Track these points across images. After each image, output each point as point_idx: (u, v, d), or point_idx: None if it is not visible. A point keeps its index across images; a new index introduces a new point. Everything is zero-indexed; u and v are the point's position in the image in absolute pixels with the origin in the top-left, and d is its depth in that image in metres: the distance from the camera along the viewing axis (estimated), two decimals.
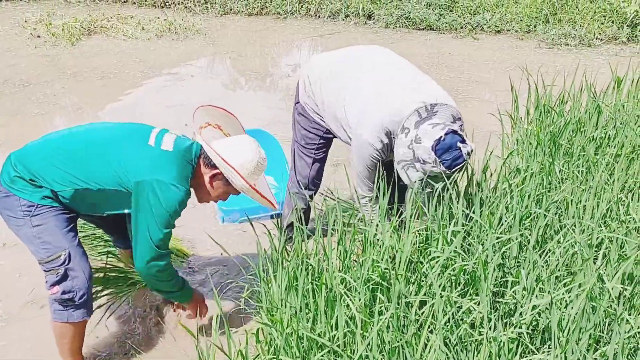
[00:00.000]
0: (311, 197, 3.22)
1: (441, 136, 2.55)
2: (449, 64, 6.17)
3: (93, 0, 7.38)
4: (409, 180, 2.68)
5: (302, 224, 3.07)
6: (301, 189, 3.21)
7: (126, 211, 2.59)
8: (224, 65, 6.16)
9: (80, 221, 3.05)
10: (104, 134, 2.54)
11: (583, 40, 6.60)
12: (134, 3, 7.36)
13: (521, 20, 6.86)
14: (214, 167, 2.50)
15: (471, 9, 7.03)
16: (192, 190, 2.59)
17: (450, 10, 7.06)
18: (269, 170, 3.90)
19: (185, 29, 6.72)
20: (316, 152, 3.09)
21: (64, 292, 2.45)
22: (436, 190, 2.64)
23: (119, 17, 6.85)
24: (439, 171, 2.58)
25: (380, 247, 2.58)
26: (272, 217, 3.69)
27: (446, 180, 2.63)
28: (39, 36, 6.42)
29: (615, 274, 2.40)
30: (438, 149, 2.55)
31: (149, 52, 6.26)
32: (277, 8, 7.19)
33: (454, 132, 2.57)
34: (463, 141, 2.59)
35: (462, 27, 6.91)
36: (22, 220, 2.45)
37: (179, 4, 7.26)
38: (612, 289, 2.31)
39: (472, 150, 2.63)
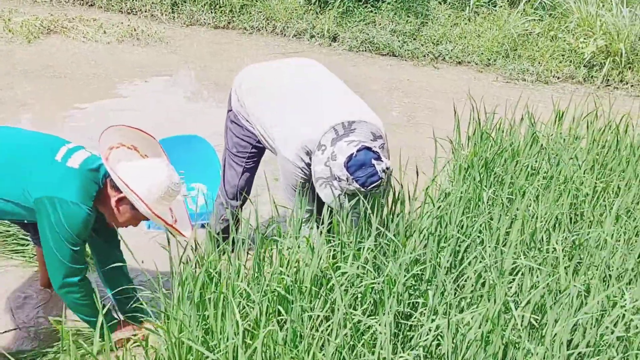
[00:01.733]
0: (239, 207, 3.16)
1: (353, 152, 2.51)
2: (407, 90, 6.19)
3: (59, 2, 7.29)
4: (328, 199, 2.64)
5: (224, 234, 3.03)
6: (228, 199, 3.15)
7: (25, 221, 2.52)
8: (184, 74, 6.12)
9: None
10: (10, 142, 2.44)
11: (540, 77, 6.67)
12: (100, 7, 7.28)
13: (482, 54, 6.91)
14: (120, 190, 2.40)
15: (434, 39, 7.07)
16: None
17: (414, 39, 7.09)
18: (202, 178, 3.86)
19: (148, 36, 6.66)
20: (247, 161, 3.04)
21: None
22: (361, 209, 2.60)
23: (81, 19, 6.77)
24: (355, 188, 2.54)
25: (288, 259, 2.53)
26: (202, 226, 3.62)
27: (365, 198, 2.57)
28: None
29: (526, 303, 2.37)
30: (350, 165, 2.51)
31: (107, 55, 6.19)
32: (244, 23, 7.17)
33: (368, 148, 2.53)
34: (378, 158, 2.54)
35: (424, 56, 6.94)
36: None
37: (145, 11, 7.21)
38: (522, 317, 2.28)
39: (388, 168, 2.58)
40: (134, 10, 7.26)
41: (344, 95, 2.83)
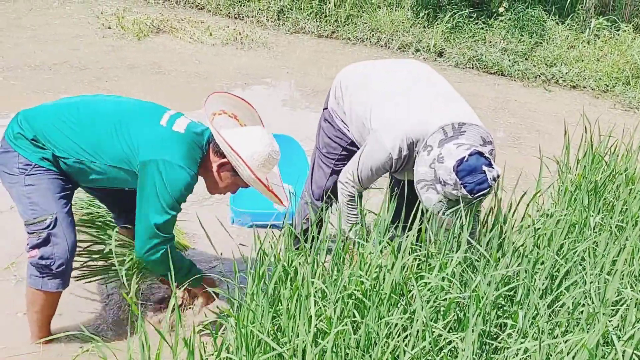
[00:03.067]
0: (323, 209, 3.00)
1: (465, 156, 2.32)
2: (513, 110, 5.90)
3: (170, 3, 7.50)
4: (429, 203, 2.46)
5: (306, 233, 2.89)
6: (314, 199, 3.02)
7: (126, 188, 2.49)
8: (283, 79, 6.10)
9: (83, 197, 2.97)
10: (116, 108, 2.45)
11: None
12: (209, 11, 7.43)
13: (600, 79, 6.50)
14: (223, 155, 2.39)
15: (548, 60, 6.73)
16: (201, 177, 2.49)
17: (526, 59, 6.77)
18: (289, 178, 3.75)
19: (252, 41, 6.71)
20: (336, 163, 2.88)
21: (41, 258, 2.35)
22: (458, 217, 2.41)
23: (189, 20, 6.92)
24: (460, 195, 2.35)
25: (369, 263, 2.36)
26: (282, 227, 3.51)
27: (465, 206, 2.39)
28: (109, 27, 6.54)
29: (629, 337, 2.10)
30: (460, 169, 2.32)
31: (211, 56, 6.27)
32: (348, 33, 7.10)
33: (480, 153, 2.34)
34: (490, 165, 2.35)
35: (535, 77, 6.61)
36: (17, 177, 2.37)
37: (252, 17, 7.28)
38: (624, 351, 2.02)
39: (498, 176, 2.39)
40: (241, 15, 7.36)
41: (453, 96, 2.66)
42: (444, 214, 2.45)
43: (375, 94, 2.66)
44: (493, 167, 2.38)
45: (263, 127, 2.56)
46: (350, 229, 2.75)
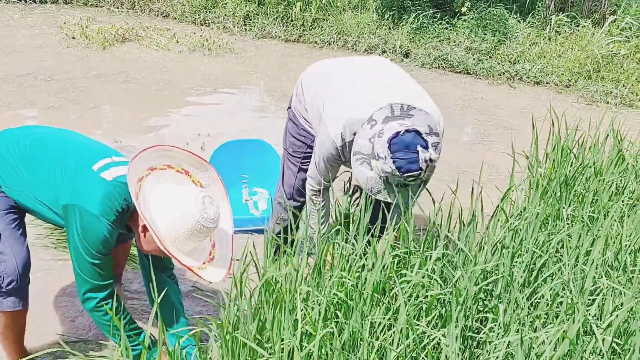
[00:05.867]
0: (297, 208, 3.00)
1: (401, 131, 2.26)
2: (480, 108, 5.98)
3: (135, 12, 7.45)
4: (360, 177, 2.39)
5: (284, 234, 2.89)
6: (287, 199, 3.02)
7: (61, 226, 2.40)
8: (252, 85, 6.08)
9: None
10: (62, 147, 2.32)
11: (625, 100, 6.33)
12: (175, 18, 7.40)
13: (562, 74, 6.63)
14: None
15: (512, 58, 6.84)
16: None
17: (490, 57, 6.87)
18: (265, 182, 3.76)
19: (219, 47, 6.69)
20: (302, 161, 2.88)
21: None
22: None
23: (155, 28, 6.88)
24: (390, 172, 2.28)
25: (350, 263, 2.38)
26: (262, 231, 3.52)
27: (397, 187, 2.33)
28: (73, 37, 6.47)
29: (607, 326, 2.15)
30: (393, 142, 2.26)
31: (178, 64, 6.24)
32: (315, 37, 7.13)
33: (419, 134, 2.28)
34: (426, 148, 2.29)
35: (500, 75, 6.72)
36: None
37: (218, 23, 7.27)
38: (603, 340, 2.06)
39: (432, 160, 2.32)
40: (207, 21, 7.34)
41: (412, 85, 2.62)
42: (373, 192, 2.39)
43: (330, 87, 2.63)
44: (428, 151, 2.30)
45: (221, 184, 2.35)
46: (320, 225, 2.74)
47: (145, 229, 2.17)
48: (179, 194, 2.15)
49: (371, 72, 2.70)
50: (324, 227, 2.76)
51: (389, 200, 2.40)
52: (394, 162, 2.25)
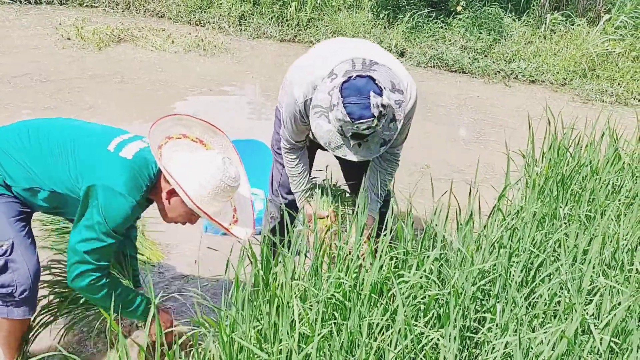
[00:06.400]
0: (287, 206, 2.96)
1: (354, 75, 2.16)
2: (476, 106, 5.98)
3: (130, 12, 7.43)
4: (318, 130, 2.30)
5: (278, 232, 2.89)
6: (274, 196, 3.01)
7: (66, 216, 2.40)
8: (248, 84, 6.08)
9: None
10: (67, 134, 2.30)
11: (620, 98, 6.35)
12: (170, 19, 7.40)
13: (557, 73, 6.65)
14: None
15: (507, 57, 6.85)
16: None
17: (486, 56, 6.88)
18: (261, 182, 3.75)
19: (214, 47, 6.69)
20: None
21: (2, 286, 2.23)
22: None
23: (150, 29, 6.87)
24: (342, 120, 2.17)
25: (347, 264, 2.37)
26: (259, 231, 3.51)
27: (357, 141, 2.23)
28: (69, 38, 6.46)
29: (605, 325, 2.15)
30: (345, 87, 2.14)
31: (173, 64, 6.23)
32: (310, 37, 7.13)
33: (374, 80, 2.16)
34: (379, 94, 2.15)
35: (495, 73, 6.73)
36: None
37: (213, 23, 7.26)
38: (601, 339, 2.07)
39: (385, 107, 2.17)
40: (202, 22, 7.34)
41: (386, 54, 2.49)
42: (331, 147, 2.30)
43: (304, 69, 2.54)
44: (382, 97, 2.15)
45: (235, 151, 2.42)
46: (301, 191, 2.71)
47: (170, 194, 2.23)
48: (200, 157, 2.24)
49: (344, 42, 2.65)
50: (304, 185, 2.71)
51: (348, 157, 2.29)
52: (345, 107, 2.14)
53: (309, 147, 2.75)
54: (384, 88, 2.19)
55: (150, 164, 2.25)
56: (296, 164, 2.68)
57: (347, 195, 2.84)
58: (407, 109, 2.35)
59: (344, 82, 2.15)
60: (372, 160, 2.69)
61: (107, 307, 2.23)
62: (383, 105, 2.15)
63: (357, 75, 2.15)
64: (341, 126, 2.20)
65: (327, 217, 2.65)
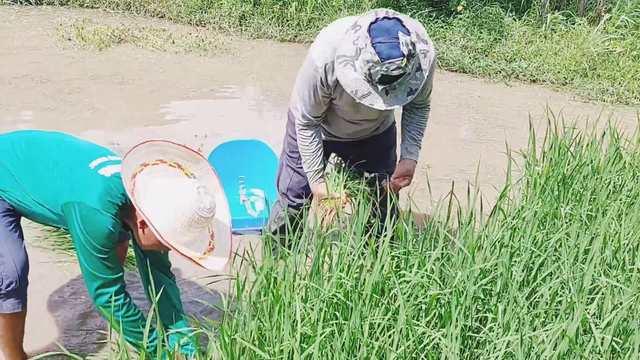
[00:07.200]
0: (294, 208, 2.96)
1: (381, 17, 2.16)
2: (477, 106, 5.98)
3: (131, 13, 7.43)
4: (343, 78, 2.26)
5: (281, 234, 2.88)
6: (281, 199, 3.00)
7: (62, 228, 2.40)
8: (249, 85, 6.09)
9: None
10: (58, 149, 2.33)
11: (621, 97, 6.35)
12: (170, 19, 7.40)
13: (558, 72, 6.64)
14: None
15: (508, 56, 6.85)
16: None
17: (486, 55, 6.88)
18: (262, 183, 3.76)
19: (215, 47, 6.69)
20: (298, 162, 2.84)
21: None
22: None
23: (151, 29, 6.87)
24: (371, 59, 2.13)
25: (348, 263, 2.37)
26: (260, 232, 3.51)
27: (387, 86, 2.20)
28: (69, 39, 6.46)
29: (607, 325, 2.15)
30: (373, 29, 2.13)
31: (174, 64, 6.23)
32: (311, 37, 7.13)
33: (401, 22, 2.15)
34: (407, 34, 2.13)
35: (496, 73, 6.73)
36: None
37: (214, 23, 7.26)
38: (603, 338, 2.07)
39: (413, 44, 2.14)
40: (202, 22, 7.34)
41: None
42: (358, 95, 2.26)
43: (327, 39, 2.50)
44: (410, 36, 2.13)
45: (214, 174, 2.36)
46: (313, 169, 2.68)
47: (143, 224, 2.18)
48: (174, 187, 2.15)
49: None
50: (317, 164, 2.69)
51: (376, 106, 2.26)
52: (374, 47, 2.12)
53: (325, 150, 2.75)
54: (411, 32, 2.17)
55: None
56: (310, 142, 2.64)
57: (359, 176, 2.81)
58: (430, 59, 2.34)
59: (372, 23, 2.13)
60: (404, 111, 2.74)
61: (126, 334, 2.26)
62: (412, 44, 2.13)
63: (384, 17, 2.14)
64: (369, 69, 2.17)
65: (339, 198, 2.63)
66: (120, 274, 2.27)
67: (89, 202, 2.13)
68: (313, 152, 2.65)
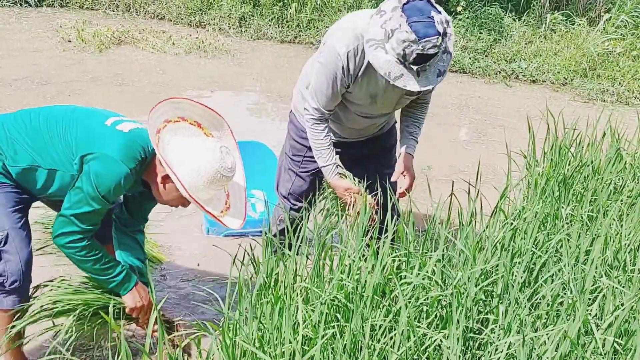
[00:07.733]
0: (295, 211, 2.96)
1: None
2: (477, 107, 5.98)
3: (131, 14, 7.43)
4: (376, 61, 2.28)
5: (281, 236, 2.88)
6: (283, 203, 3.00)
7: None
8: (249, 86, 6.08)
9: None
10: (67, 114, 2.34)
11: (621, 97, 6.36)
12: (170, 20, 7.39)
13: (558, 72, 6.65)
14: None
15: (507, 57, 6.85)
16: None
17: (486, 56, 6.89)
18: (262, 184, 3.75)
19: (215, 49, 6.68)
20: (301, 165, 2.86)
21: None
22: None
23: (151, 31, 6.87)
24: (408, 38, 2.16)
25: (349, 265, 2.37)
26: (261, 233, 3.51)
27: (419, 67, 2.23)
28: (69, 41, 6.45)
29: (608, 326, 2.15)
30: (406, 9, 2.17)
31: (174, 66, 6.23)
32: (311, 38, 7.13)
33: (429, 1, 2.21)
34: (438, 13, 2.19)
35: (496, 74, 6.73)
36: None
37: (214, 25, 7.26)
38: (604, 340, 2.06)
39: (447, 23, 2.21)
40: (202, 23, 7.33)
41: None
42: (391, 77, 2.28)
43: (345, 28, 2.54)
44: (441, 13, 2.20)
45: (232, 136, 2.43)
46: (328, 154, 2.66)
47: (165, 179, 2.25)
48: (197, 145, 2.23)
49: None
50: (332, 158, 2.67)
51: (409, 87, 2.28)
52: (410, 26, 2.15)
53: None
54: (441, 11, 2.22)
55: (147, 141, 2.26)
56: (325, 135, 2.63)
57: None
58: (452, 42, 2.35)
59: (404, 4, 2.17)
60: (402, 108, 2.78)
61: (86, 269, 2.30)
62: (447, 22, 2.19)
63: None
64: (404, 49, 2.19)
65: (360, 193, 2.62)
66: (96, 227, 2.28)
67: (110, 152, 2.17)
68: (328, 146, 2.64)
